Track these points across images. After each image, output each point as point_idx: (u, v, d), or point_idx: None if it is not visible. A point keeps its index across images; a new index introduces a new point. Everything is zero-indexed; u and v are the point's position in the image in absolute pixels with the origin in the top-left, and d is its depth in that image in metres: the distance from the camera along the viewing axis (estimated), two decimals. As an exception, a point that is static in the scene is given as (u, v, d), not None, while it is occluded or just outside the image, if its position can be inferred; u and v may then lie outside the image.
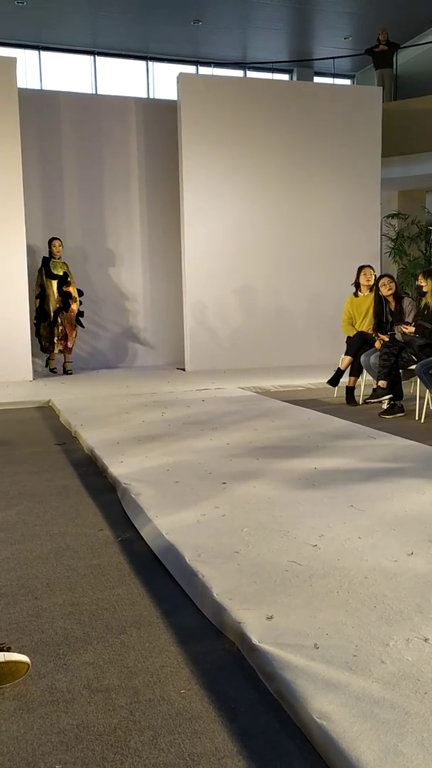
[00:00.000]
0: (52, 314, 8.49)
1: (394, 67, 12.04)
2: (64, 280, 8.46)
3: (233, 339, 9.18)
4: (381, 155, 9.65)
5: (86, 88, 13.36)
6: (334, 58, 13.57)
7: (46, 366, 8.84)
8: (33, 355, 8.53)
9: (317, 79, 14.42)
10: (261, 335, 9.27)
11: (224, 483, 3.40)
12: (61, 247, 8.50)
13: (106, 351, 9.65)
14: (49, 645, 1.95)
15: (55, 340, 8.57)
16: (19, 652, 1.79)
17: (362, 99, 9.63)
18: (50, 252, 8.53)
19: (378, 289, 6.28)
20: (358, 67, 14.52)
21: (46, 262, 8.50)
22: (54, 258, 8.48)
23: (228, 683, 1.75)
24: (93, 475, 3.88)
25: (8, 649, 1.75)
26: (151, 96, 13.63)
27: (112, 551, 2.69)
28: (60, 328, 8.50)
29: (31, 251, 8.68)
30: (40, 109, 9.13)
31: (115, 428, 4.92)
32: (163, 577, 2.43)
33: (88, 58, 13.60)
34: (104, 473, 3.85)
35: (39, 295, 8.51)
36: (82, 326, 8.78)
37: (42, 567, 2.54)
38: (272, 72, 14.40)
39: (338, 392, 6.73)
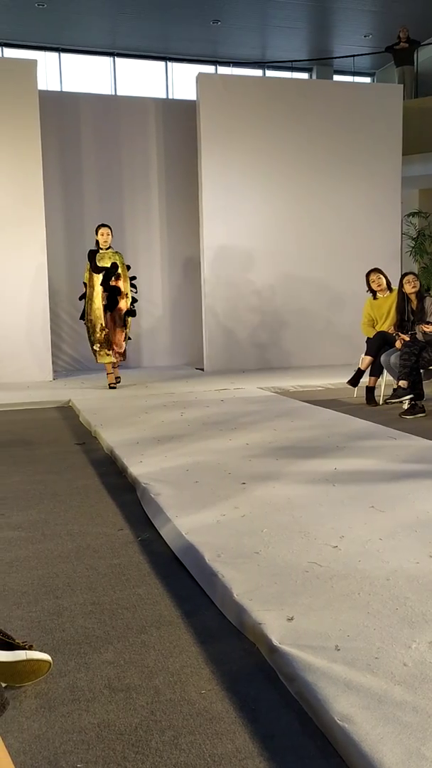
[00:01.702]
0: (90, 314, 7.14)
1: (415, 64, 11.95)
2: (113, 273, 7.12)
3: (252, 339, 9.17)
4: (402, 153, 9.58)
5: (106, 89, 13.42)
6: (354, 56, 13.50)
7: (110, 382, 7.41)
8: (53, 355, 8.60)
9: (337, 78, 14.35)
10: (280, 335, 9.25)
11: (244, 483, 3.40)
12: (109, 236, 7.19)
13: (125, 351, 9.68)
14: (70, 644, 1.96)
15: (97, 348, 7.20)
16: (41, 651, 1.80)
17: (382, 97, 9.57)
18: (97, 243, 7.26)
19: (402, 286, 6.23)
20: (378, 65, 14.43)
21: (92, 255, 7.20)
22: (101, 249, 7.19)
23: (249, 684, 1.74)
24: (113, 475, 3.90)
25: (30, 648, 1.76)
26: (170, 96, 13.66)
27: (132, 551, 2.70)
28: (103, 332, 7.11)
29: (50, 251, 8.72)
30: (60, 111, 9.19)
31: (135, 428, 4.93)
32: (183, 578, 2.43)
33: (108, 59, 13.66)
34: (124, 473, 3.86)
35: (84, 294, 7.27)
36: (125, 325, 7.33)
37: (63, 566, 2.55)
38: (291, 71, 14.36)
39: (358, 392, 6.69)
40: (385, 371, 6.37)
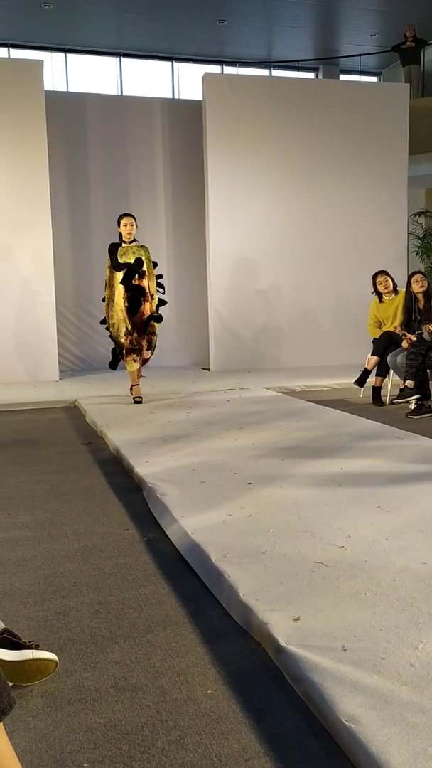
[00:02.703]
0: (113, 317, 6.15)
1: (422, 63, 11.91)
2: (136, 271, 6.03)
3: (258, 339, 9.16)
4: (408, 153, 9.56)
5: (112, 90, 13.43)
6: (360, 55, 13.47)
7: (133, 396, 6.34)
8: (59, 355, 8.61)
9: (343, 77, 14.32)
10: (286, 335, 9.23)
11: (250, 483, 3.39)
12: (134, 227, 6.15)
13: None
14: (76, 643, 1.96)
15: (124, 353, 6.19)
16: (47, 650, 1.81)
17: (389, 96, 9.55)
18: (119, 235, 6.21)
19: (410, 285, 6.21)
20: (384, 64, 14.39)
21: (113, 249, 6.15)
22: (124, 242, 6.14)
23: (255, 684, 1.74)
24: (119, 475, 3.90)
25: (36, 647, 1.76)
26: (176, 96, 13.65)
27: (138, 551, 2.70)
28: (129, 336, 6.09)
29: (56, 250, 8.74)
30: (67, 111, 9.21)
31: (141, 428, 4.94)
32: (189, 577, 2.43)
33: (114, 60, 13.67)
34: (130, 473, 3.86)
35: (104, 298, 6.27)
36: (151, 332, 6.26)
37: (69, 566, 2.55)
38: (298, 71, 14.35)
39: (365, 392, 6.67)
40: (391, 371, 6.36)
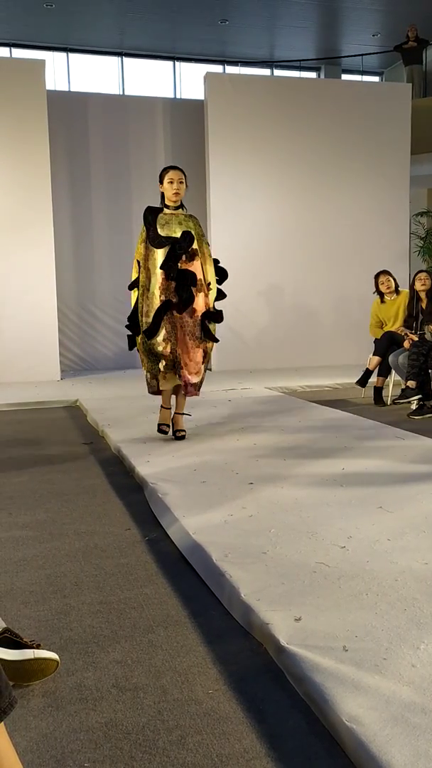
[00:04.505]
0: (147, 313, 4.30)
1: (424, 63, 11.91)
2: (184, 250, 4.25)
3: (260, 339, 9.16)
4: (410, 153, 9.56)
5: (114, 89, 13.44)
6: (362, 55, 13.47)
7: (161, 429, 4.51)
8: (60, 354, 8.61)
9: (345, 77, 14.31)
10: (288, 335, 9.23)
11: (251, 483, 3.39)
12: (182, 186, 4.33)
13: (133, 351, 9.67)
14: (77, 643, 1.96)
15: (161, 368, 4.37)
16: (48, 650, 1.81)
17: (391, 96, 9.55)
18: (162, 198, 4.40)
19: (413, 283, 6.21)
20: (386, 64, 14.38)
21: (151, 216, 4.34)
22: (167, 207, 4.37)
23: (256, 684, 1.74)
24: (120, 475, 3.90)
25: (38, 647, 1.76)
26: (178, 96, 13.65)
27: (140, 550, 2.70)
28: (167, 344, 4.26)
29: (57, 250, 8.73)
30: (69, 111, 9.21)
31: (142, 428, 4.94)
32: (190, 577, 2.42)
33: (116, 59, 13.67)
34: (131, 473, 3.86)
35: (134, 283, 4.39)
36: (215, 340, 4.51)
37: (70, 565, 2.55)
38: (300, 70, 14.34)
39: (366, 393, 6.67)
40: (393, 371, 6.36)
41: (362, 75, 14.43)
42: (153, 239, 4.27)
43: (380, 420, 5.20)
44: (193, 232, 4.30)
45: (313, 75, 14.60)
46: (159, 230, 4.28)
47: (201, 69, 12.61)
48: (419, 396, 5.72)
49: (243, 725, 1.57)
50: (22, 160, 8.17)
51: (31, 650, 1.74)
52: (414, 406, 5.76)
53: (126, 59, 13.69)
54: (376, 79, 14.91)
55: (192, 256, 4.30)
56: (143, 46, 13.34)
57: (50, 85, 8.93)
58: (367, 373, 6.53)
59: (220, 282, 4.49)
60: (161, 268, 4.22)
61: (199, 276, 4.30)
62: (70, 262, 9.30)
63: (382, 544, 2.52)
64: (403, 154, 9.52)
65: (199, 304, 4.32)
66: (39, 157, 8.18)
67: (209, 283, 4.38)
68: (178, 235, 4.25)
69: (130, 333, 4.49)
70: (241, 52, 13.70)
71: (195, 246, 4.30)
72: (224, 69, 13.87)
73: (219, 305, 4.56)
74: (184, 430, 4.50)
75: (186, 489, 3.31)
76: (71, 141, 9.26)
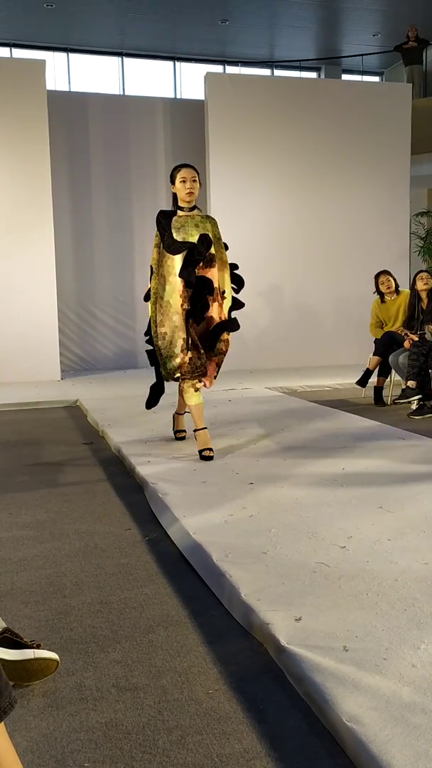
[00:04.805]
0: (164, 323, 4.00)
1: (424, 63, 11.91)
2: (201, 255, 3.95)
3: (260, 339, 9.16)
4: (410, 153, 9.56)
5: (114, 89, 13.44)
6: (362, 55, 13.46)
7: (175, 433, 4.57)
8: (60, 354, 8.61)
9: (345, 77, 14.31)
10: (288, 335, 9.23)
11: (251, 483, 3.39)
12: (196, 185, 4.04)
13: (133, 351, 9.70)
14: (77, 643, 1.96)
15: (185, 375, 4.03)
16: (48, 650, 1.81)
17: (391, 96, 9.54)
18: (174, 199, 4.12)
19: (415, 283, 6.20)
20: (386, 64, 14.38)
21: (165, 220, 4.04)
22: (181, 209, 4.08)
23: (256, 684, 1.74)
24: (120, 475, 3.90)
25: (38, 646, 1.76)
26: (178, 96, 13.66)
27: (140, 550, 2.70)
28: (186, 354, 3.95)
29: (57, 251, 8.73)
30: (69, 111, 9.21)
31: (142, 428, 4.94)
32: (191, 577, 2.42)
33: (116, 59, 13.67)
34: (131, 473, 3.86)
35: (148, 294, 4.13)
36: (236, 327, 4.19)
37: (70, 565, 2.55)
38: (300, 70, 14.34)
39: (366, 393, 6.67)
40: (393, 371, 6.35)
41: (362, 75, 14.43)
42: (169, 246, 3.95)
43: (380, 420, 5.20)
44: (210, 235, 4.02)
45: (313, 75, 14.60)
46: (174, 234, 3.98)
47: (201, 69, 12.61)
48: (419, 396, 5.72)
49: (243, 725, 1.57)
50: (22, 160, 8.17)
51: (31, 650, 1.74)
52: (414, 406, 5.76)
53: (126, 59, 13.69)
54: (376, 79, 14.91)
55: (209, 261, 4.02)
56: (143, 46, 13.34)
57: (50, 85, 8.94)
58: (367, 373, 6.53)
59: (237, 291, 4.20)
60: (180, 276, 3.91)
61: (216, 284, 4.02)
62: (70, 262, 9.31)
63: (383, 544, 2.52)
64: (404, 154, 9.52)
65: (213, 314, 4.01)
66: (39, 157, 8.19)
67: (224, 292, 4.06)
68: (194, 239, 3.95)
69: (150, 348, 4.18)
70: (241, 52, 13.70)
71: (212, 251, 4.02)
72: (224, 69, 13.87)
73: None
74: (211, 453, 4.00)
75: (186, 489, 3.31)
76: (71, 141, 9.26)
